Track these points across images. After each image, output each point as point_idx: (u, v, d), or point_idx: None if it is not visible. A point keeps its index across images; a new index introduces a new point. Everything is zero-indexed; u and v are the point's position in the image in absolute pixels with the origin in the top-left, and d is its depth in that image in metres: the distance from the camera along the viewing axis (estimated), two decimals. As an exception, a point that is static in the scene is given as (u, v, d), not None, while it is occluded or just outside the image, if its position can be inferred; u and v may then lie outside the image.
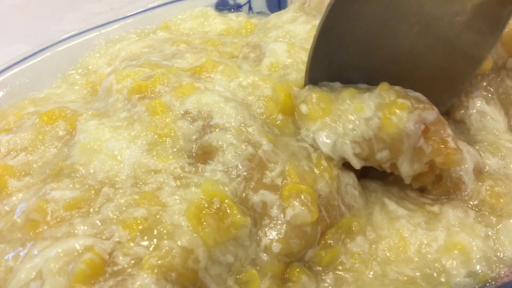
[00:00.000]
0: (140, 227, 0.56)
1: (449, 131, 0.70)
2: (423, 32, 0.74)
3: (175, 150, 0.66)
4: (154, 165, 0.64)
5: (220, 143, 0.66)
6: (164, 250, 0.54)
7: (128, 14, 1.10)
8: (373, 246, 0.68)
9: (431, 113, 0.69)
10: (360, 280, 0.65)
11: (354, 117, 0.71)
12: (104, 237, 0.56)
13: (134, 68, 0.78)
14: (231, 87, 0.75)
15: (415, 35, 0.74)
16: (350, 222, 0.70)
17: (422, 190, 0.75)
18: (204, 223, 0.57)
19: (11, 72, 0.93)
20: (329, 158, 0.71)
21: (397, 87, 0.72)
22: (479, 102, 0.82)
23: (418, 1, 0.71)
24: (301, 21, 0.92)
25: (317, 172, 0.70)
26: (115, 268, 0.53)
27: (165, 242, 0.54)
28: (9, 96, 0.90)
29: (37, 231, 0.59)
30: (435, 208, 0.71)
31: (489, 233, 0.68)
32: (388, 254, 0.67)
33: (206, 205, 0.59)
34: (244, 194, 0.63)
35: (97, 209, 0.60)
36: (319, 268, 0.66)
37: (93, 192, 0.62)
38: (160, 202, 0.59)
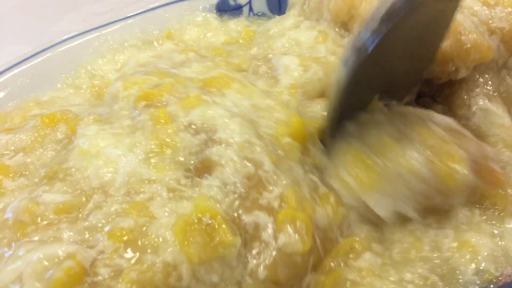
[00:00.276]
0: (125, 238, 0.54)
1: (491, 154, 0.72)
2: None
3: (173, 161, 0.65)
4: (149, 175, 0.63)
5: (221, 158, 0.64)
6: (146, 265, 0.52)
7: (129, 15, 1.10)
8: (387, 252, 0.67)
9: (477, 148, 0.71)
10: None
11: (406, 176, 0.67)
12: (88, 245, 0.55)
13: (142, 76, 0.78)
14: (243, 105, 0.74)
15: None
16: (351, 242, 0.67)
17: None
18: (191, 239, 0.56)
19: (12, 72, 0.93)
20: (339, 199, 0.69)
21: (437, 130, 0.70)
22: (482, 100, 0.82)
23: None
24: (304, 28, 0.90)
25: (319, 202, 0.67)
26: (95, 279, 0.52)
27: (148, 256, 0.53)
28: (10, 96, 0.90)
29: (24, 232, 0.58)
30: None
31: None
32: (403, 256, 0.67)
33: (196, 221, 0.58)
34: (237, 213, 0.61)
35: (85, 215, 0.59)
36: None
37: (84, 198, 0.61)
38: (149, 214, 0.58)
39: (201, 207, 0.59)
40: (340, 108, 0.71)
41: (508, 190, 0.72)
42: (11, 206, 0.62)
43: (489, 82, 0.84)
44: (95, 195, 0.61)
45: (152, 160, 0.64)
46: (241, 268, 0.59)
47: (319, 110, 0.76)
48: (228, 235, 0.58)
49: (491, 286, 0.63)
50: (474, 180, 0.69)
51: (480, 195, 0.71)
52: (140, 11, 1.11)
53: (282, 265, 0.60)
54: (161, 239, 0.55)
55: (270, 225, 0.61)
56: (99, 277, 0.52)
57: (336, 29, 0.88)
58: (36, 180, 0.66)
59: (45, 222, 0.58)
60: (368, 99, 0.74)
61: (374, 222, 0.70)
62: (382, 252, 0.68)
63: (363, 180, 0.67)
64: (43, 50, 0.98)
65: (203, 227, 0.58)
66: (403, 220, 0.70)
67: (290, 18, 0.94)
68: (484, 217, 0.71)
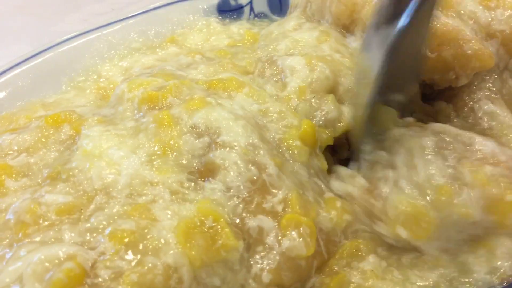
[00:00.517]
0: (126, 240, 0.54)
1: None
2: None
3: (176, 164, 0.65)
4: (151, 177, 0.63)
5: (224, 161, 0.64)
6: (146, 267, 0.52)
7: (130, 15, 1.10)
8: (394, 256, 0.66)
9: None
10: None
11: (460, 221, 0.65)
12: (89, 247, 0.55)
13: (147, 77, 0.77)
14: (251, 109, 0.74)
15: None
16: (355, 244, 0.67)
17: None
18: (193, 241, 0.55)
19: (13, 73, 0.93)
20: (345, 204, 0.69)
21: (487, 169, 0.67)
22: (487, 105, 0.81)
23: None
24: (306, 28, 0.90)
25: (324, 206, 0.67)
26: (95, 281, 0.51)
27: (149, 258, 0.53)
28: (12, 97, 0.90)
29: (26, 233, 0.58)
30: None
31: None
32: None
33: (198, 223, 0.57)
34: (241, 217, 0.61)
35: (87, 217, 0.58)
36: None
37: (86, 199, 0.60)
38: (151, 216, 0.57)
39: (204, 210, 0.58)
40: (374, 98, 0.70)
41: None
42: (13, 206, 0.61)
43: (492, 85, 0.83)
44: (97, 196, 0.61)
45: (155, 162, 0.64)
46: (245, 272, 0.59)
47: (329, 109, 0.76)
48: (231, 239, 0.57)
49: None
50: None
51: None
52: (141, 11, 1.11)
53: (287, 269, 0.60)
54: (163, 241, 0.54)
55: (274, 230, 0.61)
56: (100, 279, 0.51)
57: (338, 30, 0.88)
58: (39, 180, 0.66)
59: (46, 223, 0.58)
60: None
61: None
62: (387, 256, 0.67)
63: (418, 234, 0.65)
64: (44, 50, 0.97)
65: (206, 230, 0.57)
66: None
67: (291, 20, 0.94)
68: None
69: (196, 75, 0.82)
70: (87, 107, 0.83)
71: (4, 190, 0.66)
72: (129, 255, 0.53)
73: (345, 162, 0.82)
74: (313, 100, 0.77)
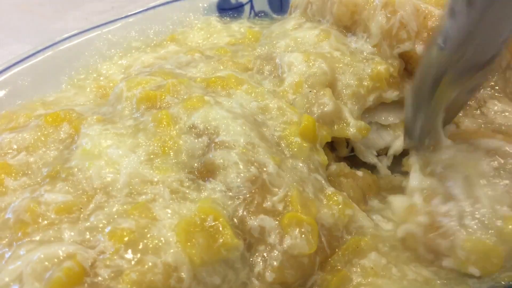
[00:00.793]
0: (126, 238, 0.54)
1: None
2: None
3: (176, 163, 0.65)
4: (151, 176, 0.62)
5: (224, 161, 0.63)
6: (146, 266, 0.52)
7: (130, 13, 1.10)
8: (393, 253, 0.66)
9: None
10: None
11: None
12: (89, 246, 0.54)
13: (146, 76, 0.77)
14: (250, 106, 0.74)
15: None
16: (357, 241, 0.67)
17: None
18: (193, 240, 0.55)
19: (13, 71, 0.93)
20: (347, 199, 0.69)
21: None
22: (494, 103, 0.82)
23: None
24: (307, 27, 0.90)
25: (325, 202, 0.67)
26: (95, 280, 0.51)
27: (150, 257, 0.52)
28: (11, 95, 0.90)
29: (25, 232, 0.58)
30: None
31: None
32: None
33: (199, 222, 0.57)
34: (242, 217, 0.61)
35: (86, 216, 0.58)
36: None
37: (85, 198, 0.60)
38: (151, 215, 0.57)
39: (204, 209, 0.58)
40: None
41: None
42: (13, 205, 0.61)
43: (495, 84, 0.84)
44: (97, 195, 0.61)
45: (155, 162, 0.64)
46: (248, 271, 0.59)
47: (326, 102, 0.76)
48: (231, 237, 0.57)
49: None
50: None
51: None
52: (141, 10, 1.11)
53: (290, 267, 0.60)
54: (163, 240, 0.54)
55: (275, 229, 0.61)
56: (99, 278, 0.51)
57: (339, 30, 0.88)
58: (38, 179, 0.66)
59: (46, 222, 0.58)
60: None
61: None
62: (388, 252, 0.67)
63: (490, 270, 0.63)
64: (44, 48, 0.97)
65: (206, 228, 0.57)
66: None
67: (292, 20, 0.94)
68: None
69: (195, 73, 0.82)
70: (87, 105, 0.83)
71: (4, 189, 0.66)
72: (129, 254, 0.52)
73: (344, 160, 0.83)
74: (309, 94, 0.77)
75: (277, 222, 0.61)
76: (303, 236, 0.60)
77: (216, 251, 0.56)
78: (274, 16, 1.17)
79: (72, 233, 0.56)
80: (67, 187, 0.62)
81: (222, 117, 0.68)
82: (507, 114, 0.80)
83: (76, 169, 0.64)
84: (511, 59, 0.84)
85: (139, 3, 1.13)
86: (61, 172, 0.64)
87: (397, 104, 0.85)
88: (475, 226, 0.64)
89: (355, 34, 0.86)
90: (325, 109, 0.76)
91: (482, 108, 0.82)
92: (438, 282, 0.63)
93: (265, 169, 0.64)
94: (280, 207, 0.62)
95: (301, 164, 0.69)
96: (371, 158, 0.84)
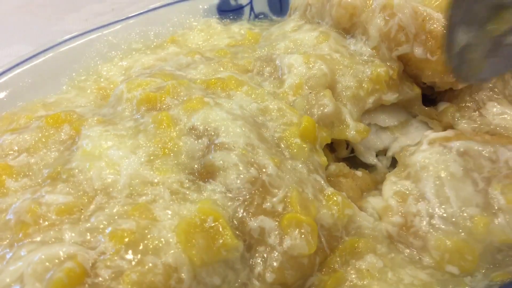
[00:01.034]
0: (127, 239, 0.54)
1: None
2: None
3: (176, 165, 0.65)
4: (152, 177, 0.63)
5: (223, 163, 0.64)
6: (147, 266, 0.52)
7: (130, 15, 1.10)
8: (392, 255, 0.67)
9: None
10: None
11: (499, 246, 0.66)
12: (89, 247, 0.55)
13: (146, 78, 0.78)
14: (250, 108, 0.74)
15: None
16: (355, 242, 0.67)
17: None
18: (193, 241, 0.55)
19: (14, 72, 0.93)
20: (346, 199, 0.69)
21: None
22: (493, 105, 0.82)
23: None
24: (306, 29, 0.90)
25: (325, 202, 0.67)
26: (95, 280, 0.51)
27: (150, 257, 0.53)
28: (12, 97, 0.90)
29: (26, 233, 0.58)
30: None
31: None
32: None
33: (199, 223, 0.57)
34: (242, 218, 0.61)
35: (87, 217, 0.59)
36: None
37: (86, 199, 0.61)
38: (151, 216, 0.57)
39: (204, 210, 0.59)
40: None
41: None
42: (14, 206, 0.61)
43: (493, 86, 0.84)
44: (97, 196, 0.61)
45: (155, 163, 0.64)
46: (248, 271, 0.59)
47: (326, 103, 0.76)
48: (231, 238, 0.57)
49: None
50: None
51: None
52: (141, 12, 1.11)
53: (290, 268, 0.60)
54: (163, 241, 0.54)
55: (275, 230, 0.61)
56: (100, 278, 0.51)
57: (338, 32, 0.88)
58: (39, 180, 0.66)
59: (47, 223, 0.58)
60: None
61: None
62: (386, 253, 0.67)
63: (466, 267, 0.65)
64: (45, 50, 0.98)
65: (206, 229, 0.57)
66: None
67: (291, 22, 0.95)
68: None
69: (195, 75, 0.82)
70: (88, 107, 0.84)
71: (5, 190, 0.66)
72: (129, 255, 0.53)
73: (343, 160, 0.83)
74: (309, 95, 0.77)
75: (276, 223, 0.61)
76: (302, 236, 0.61)
77: (216, 251, 0.57)
78: (274, 18, 1.18)
79: (73, 234, 0.56)
80: (67, 188, 0.62)
81: (222, 118, 0.68)
82: (505, 116, 0.81)
83: (76, 170, 0.64)
84: None
85: (139, 4, 1.14)
86: (62, 173, 0.64)
87: (396, 106, 0.86)
88: (443, 226, 0.66)
89: (354, 36, 0.86)
90: (325, 110, 0.76)
91: (481, 110, 0.83)
92: (436, 284, 0.64)
93: (264, 170, 0.64)
94: (279, 208, 0.62)
95: (300, 165, 0.70)
96: (371, 159, 0.84)
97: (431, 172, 0.71)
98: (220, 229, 0.58)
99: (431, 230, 0.67)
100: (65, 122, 0.73)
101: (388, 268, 0.65)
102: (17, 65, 0.94)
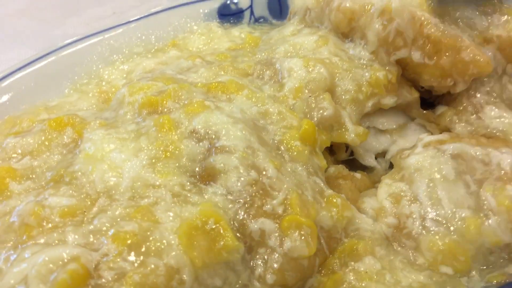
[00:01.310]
0: (129, 241, 0.55)
1: None
2: None
3: (177, 167, 0.66)
4: (153, 179, 0.63)
5: (224, 165, 0.65)
6: (149, 268, 0.53)
7: (132, 19, 1.10)
8: (391, 257, 0.67)
9: None
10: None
11: (491, 247, 0.67)
12: (92, 248, 0.55)
13: (147, 81, 0.78)
14: (250, 111, 0.75)
15: None
16: (354, 244, 0.68)
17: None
18: (195, 243, 0.56)
19: (16, 76, 0.94)
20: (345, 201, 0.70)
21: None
22: (490, 108, 0.83)
23: None
24: (305, 33, 0.91)
25: (324, 204, 0.68)
26: (99, 282, 0.52)
27: (152, 259, 0.53)
28: (15, 100, 0.91)
29: (30, 235, 0.59)
30: None
31: None
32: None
33: (200, 225, 0.58)
34: (242, 220, 0.62)
35: (90, 219, 0.59)
36: None
37: (89, 201, 0.61)
38: (153, 218, 0.58)
39: (205, 212, 0.59)
40: None
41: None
42: (18, 209, 0.62)
43: (491, 90, 0.85)
44: (100, 199, 0.62)
45: (157, 166, 0.65)
46: (248, 273, 0.60)
47: (326, 107, 0.77)
48: (232, 240, 0.58)
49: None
50: None
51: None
52: (142, 16, 1.11)
53: (290, 269, 0.61)
54: (165, 243, 0.55)
55: (275, 232, 0.62)
56: (103, 280, 0.52)
57: (337, 36, 0.89)
58: (43, 183, 0.67)
59: (50, 225, 0.59)
60: None
61: None
62: (384, 255, 0.68)
63: (459, 267, 0.66)
64: (47, 54, 0.98)
65: (208, 231, 0.58)
66: None
67: (291, 26, 0.96)
68: None
69: (196, 78, 0.83)
70: (90, 110, 0.84)
71: (8, 193, 0.67)
72: (132, 257, 0.53)
73: (342, 162, 0.84)
74: (309, 99, 0.78)
75: (277, 225, 0.62)
76: (302, 238, 0.62)
77: (217, 253, 0.57)
78: (274, 21, 1.18)
79: (76, 236, 0.57)
80: (70, 191, 0.63)
81: (222, 122, 0.69)
82: (502, 119, 0.81)
83: (79, 173, 0.65)
84: (507, 65, 0.85)
85: (140, 8, 1.14)
86: (65, 176, 0.65)
87: (395, 109, 0.86)
88: (435, 228, 0.68)
89: (353, 40, 0.87)
90: (325, 113, 0.77)
91: (479, 113, 0.83)
92: (434, 286, 0.64)
93: (265, 173, 0.65)
94: (280, 210, 0.63)
95: (300, 168, 0.70)
96: (370, 162, 0.85)
97: (424, 174, 0.72)
98: (221, 231, 0.58)
99: (424, 232, 0.68)
100: (67, 125, 0.73)
101: (386, 270, 0.66)
102: (19, 68, 0.94)
